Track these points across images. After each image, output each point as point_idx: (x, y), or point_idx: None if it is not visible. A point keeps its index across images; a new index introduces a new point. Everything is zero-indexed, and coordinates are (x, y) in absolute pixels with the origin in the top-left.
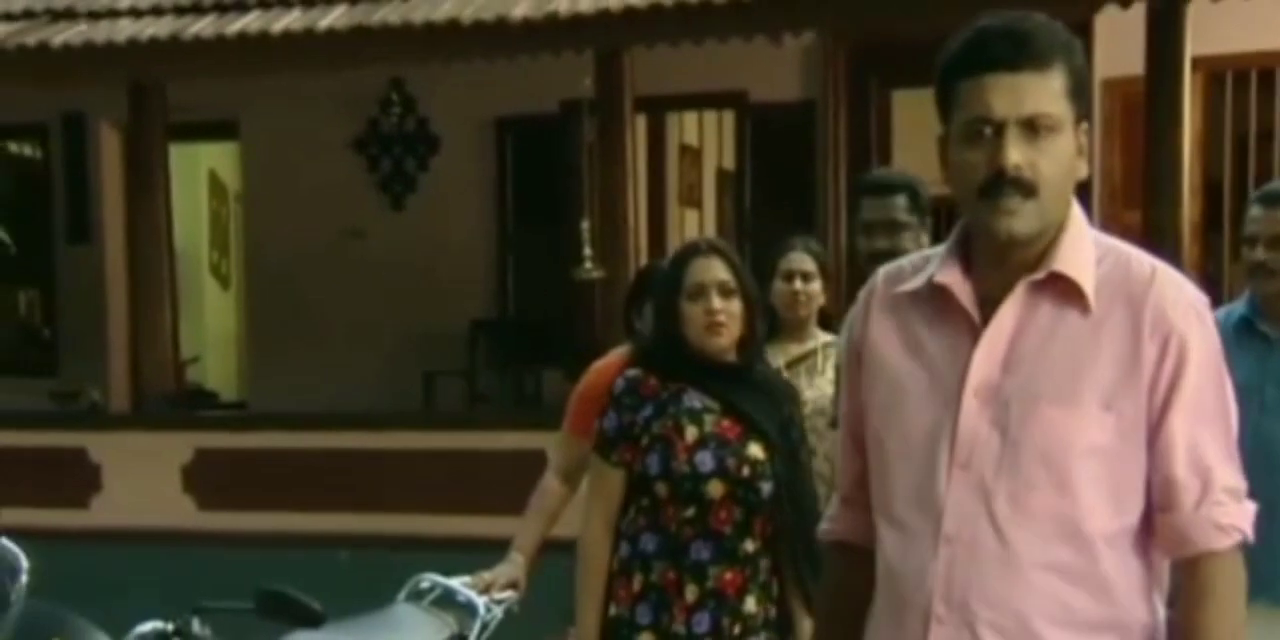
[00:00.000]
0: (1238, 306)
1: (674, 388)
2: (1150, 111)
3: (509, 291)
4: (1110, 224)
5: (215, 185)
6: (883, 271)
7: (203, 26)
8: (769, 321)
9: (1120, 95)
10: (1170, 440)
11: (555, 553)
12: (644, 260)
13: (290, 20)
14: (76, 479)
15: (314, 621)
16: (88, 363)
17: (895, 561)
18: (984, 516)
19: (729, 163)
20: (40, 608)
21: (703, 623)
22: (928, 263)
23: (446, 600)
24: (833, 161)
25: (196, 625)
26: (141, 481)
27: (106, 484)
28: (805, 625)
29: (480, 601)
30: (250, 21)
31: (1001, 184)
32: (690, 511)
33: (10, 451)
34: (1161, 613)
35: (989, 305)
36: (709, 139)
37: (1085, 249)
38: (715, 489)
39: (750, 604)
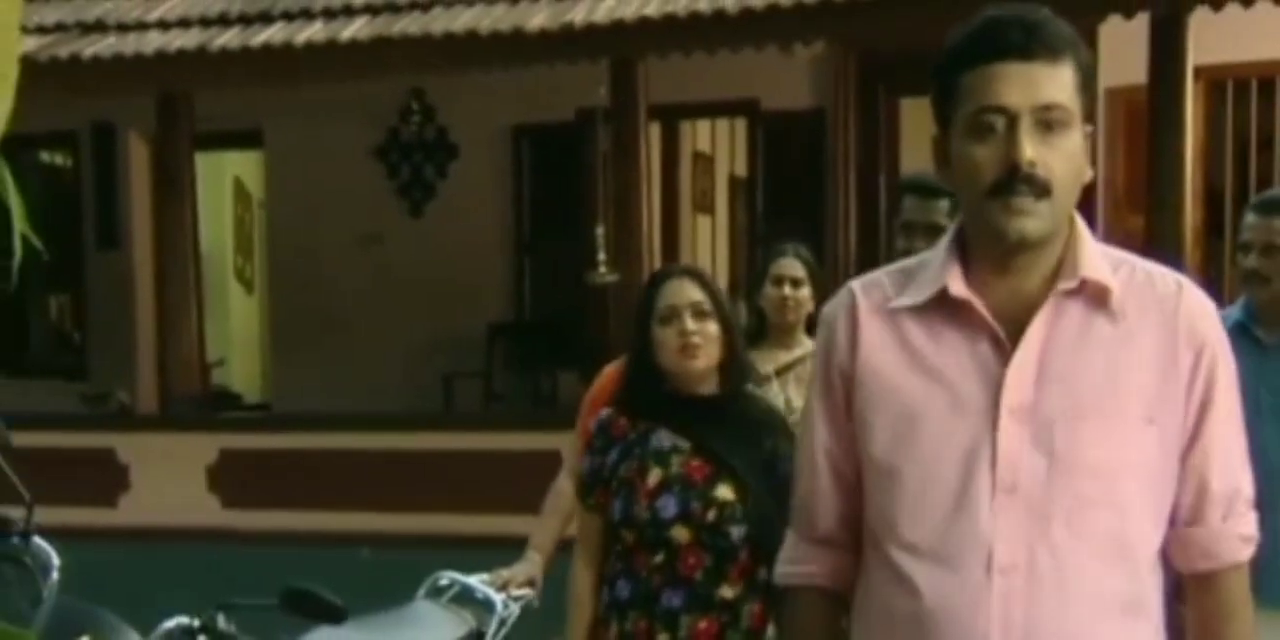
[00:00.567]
0: (1233, 312)
1: (643, 427)
2: (1153, 120)
3: (525, 295)
4: (1114, 229)
5: (240, 192)
6: (858, 286)
7: (228, 39)
8: (759, 326)
9: (1123, 104)
10: (1208, 452)
11: (571, 552)
12: (657, 265)
13: (313, 32)
14: (105, 479)
15: (336, 617)
16: (116, 366)
17: (932, 599)
18: (1041, 542)
19: (741, 169)
20: (71, 604)
21: None
22: (913, 274)
23: (465, 597)
24: (842, 168)
25: (222, 621)
26: (168, 481)
27: (134, 484)
28: None
29: (498, 598)
30: (274, 33)
31: (1014, 182)
32: (659, 558)
33: (41, 452)
34: None
35: (1000, 316)
36: (721, 146)
37: (1099, 255)
38: (681, 534)
39: None
